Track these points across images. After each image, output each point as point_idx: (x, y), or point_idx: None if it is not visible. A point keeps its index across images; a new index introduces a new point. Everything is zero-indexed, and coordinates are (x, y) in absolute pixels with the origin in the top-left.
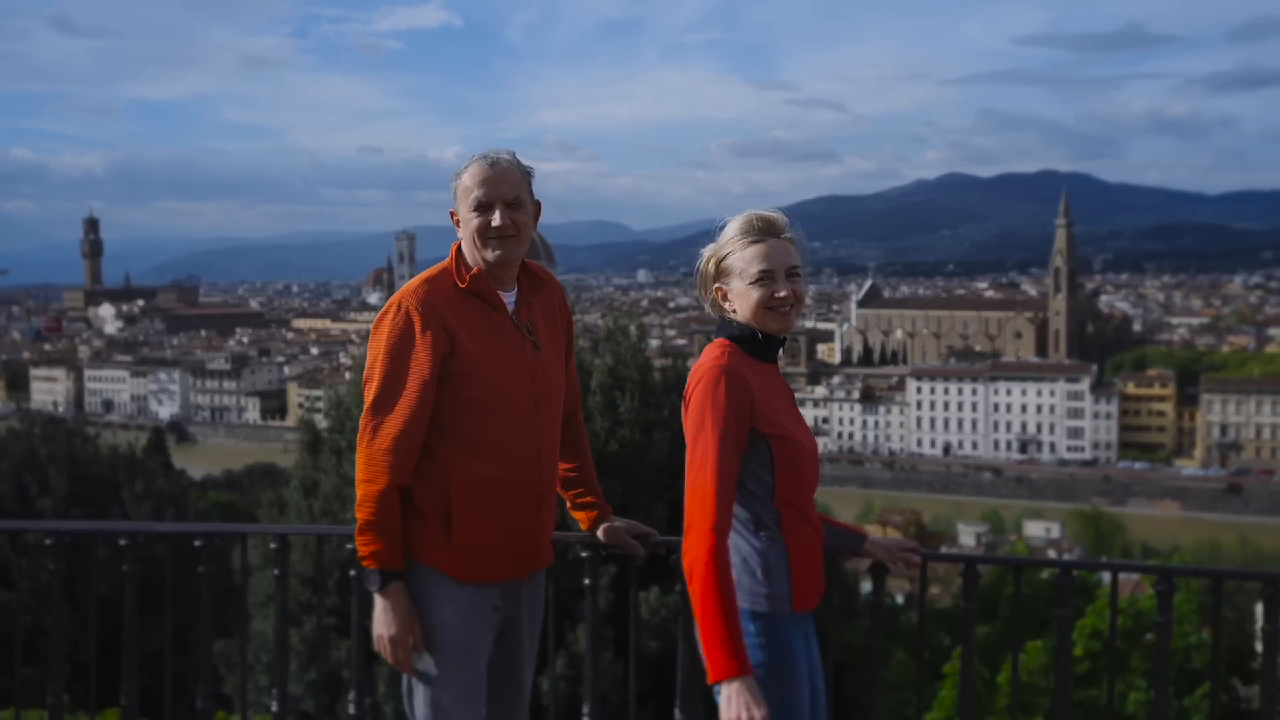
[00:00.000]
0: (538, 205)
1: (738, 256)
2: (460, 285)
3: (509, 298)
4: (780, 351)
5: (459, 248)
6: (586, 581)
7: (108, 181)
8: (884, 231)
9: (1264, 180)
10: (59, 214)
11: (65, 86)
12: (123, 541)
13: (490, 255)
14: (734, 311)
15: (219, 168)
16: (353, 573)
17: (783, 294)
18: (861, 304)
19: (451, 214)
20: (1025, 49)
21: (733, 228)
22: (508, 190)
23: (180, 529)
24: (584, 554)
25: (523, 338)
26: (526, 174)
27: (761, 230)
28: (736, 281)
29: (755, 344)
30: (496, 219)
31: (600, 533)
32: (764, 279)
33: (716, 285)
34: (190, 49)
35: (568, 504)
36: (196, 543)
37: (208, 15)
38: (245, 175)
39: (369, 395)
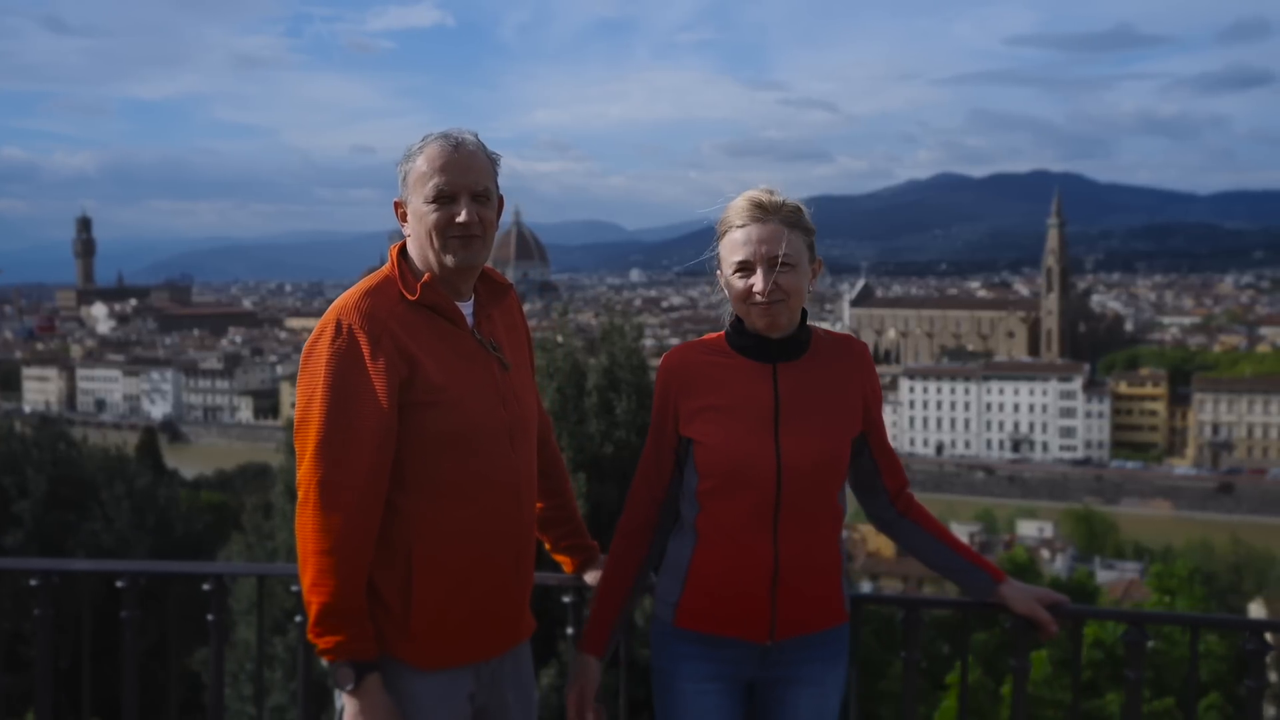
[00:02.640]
0: (501, 199)
1: (724, 242)
2: (409, 297)
3: (466, 309)
4: (791, 348)
5: (402, 250)
6: (570, 631)
7: (100, 180)
8: (876, 231)
9: (1255, 180)
10: (51, 213)
11: (57, 86)
12: (34, 582)
13: (451, 259)
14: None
15: (211, 167)
16: (299, 618)
17: (758, 288)
18: (854, 303)
19: (396, 205)
20: (1016, 49)
21: (727, 210)
22: (475, 179)
23: (101, 567)
24: (566, 599)
25: (488, 357)
26: (493, 161)
27: (747, 214)
28: (724, 269)
29: (737, 339)
30: (463, 214)
31: (588, 578)
32: (741, 270)
33: (718, 271)
34: (182, 48)
35: (547, 546)
36: (118, 583)
37: (198, 14)
38: (238, 175)
39: (309, 441)
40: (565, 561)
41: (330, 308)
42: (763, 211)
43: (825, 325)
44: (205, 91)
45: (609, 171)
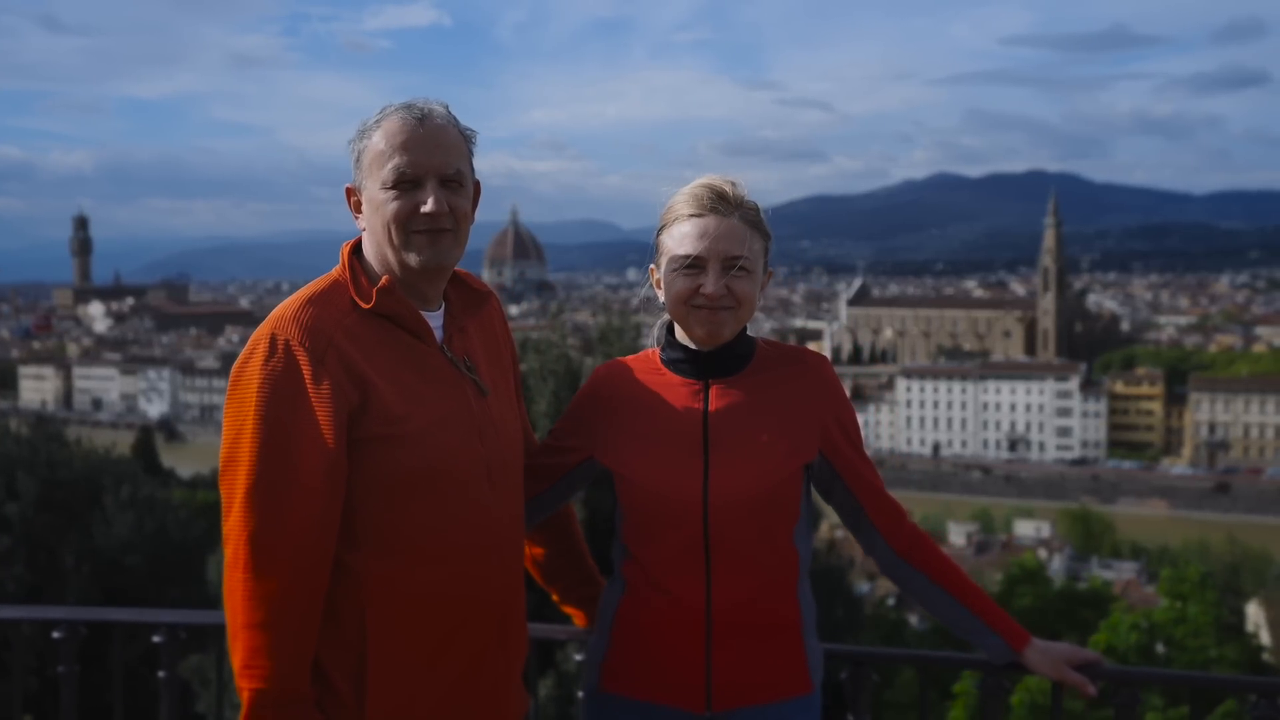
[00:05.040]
0: (478, 186)
1: (668, 234)
2: (363, 305)
3: (434, 321)
4: (727, 366)
5: (355, 249)
6: (580, 694)
7: (97, 180)
8: (873, 231)
9: (1250, 180)
10: (48, 212)
11: (53, 84)
12: None
13: (414, 258)
14: (665, 303)
15: (208, 166)
16: None
17: (707, 289)
18: (851, 303)
19: (348, 192)
20: (1012, 49)
21: (676, 196)
22: (444, 160)
23: (35, 615)
24: (579, 658)
25: (461, 379)
26: (467, 138)
27: (704, 203)
28: (665, 264)
29: (668, 352)
30: (429, 203)
31: None
32: (689, 267)
33: (651, 265)
34: (178, 47)
35: (555, 598)
36: (55, 634)
37: (195, 13)
38: (235, 174)
39: (238, 487)
40: (576, 614)
41: (265, 320)
42: (724, 204)
43: (822, 324)
44: (202, 91)
45: (606, 171)
